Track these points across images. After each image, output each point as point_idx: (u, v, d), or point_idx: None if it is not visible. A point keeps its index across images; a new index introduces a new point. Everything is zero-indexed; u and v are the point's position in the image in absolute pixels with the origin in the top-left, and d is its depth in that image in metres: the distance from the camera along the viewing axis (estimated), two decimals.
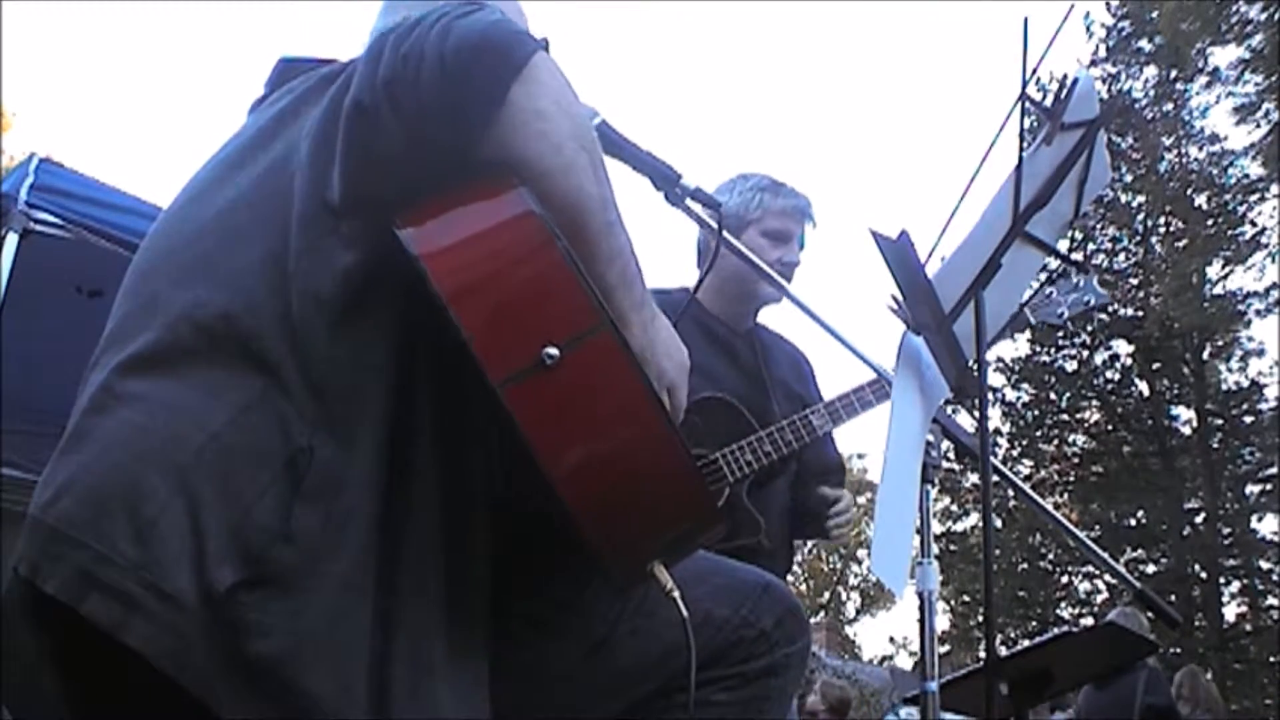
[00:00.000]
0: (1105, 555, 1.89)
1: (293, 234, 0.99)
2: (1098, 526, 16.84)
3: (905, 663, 23.81)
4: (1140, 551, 17.26)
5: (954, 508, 18.39)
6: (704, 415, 2.21)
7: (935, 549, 2.15)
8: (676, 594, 1.00)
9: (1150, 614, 2.78)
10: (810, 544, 28.90)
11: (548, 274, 0.94)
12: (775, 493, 2.30)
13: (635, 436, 0.94)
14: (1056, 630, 3.35)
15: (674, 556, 1.03)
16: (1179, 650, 15.05)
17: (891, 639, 27.58)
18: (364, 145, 0.98)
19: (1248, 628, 16.36)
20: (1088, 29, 17.23)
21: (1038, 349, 17.80)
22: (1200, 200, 16.57)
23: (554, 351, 0.90)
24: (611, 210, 1.04)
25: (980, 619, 16.32)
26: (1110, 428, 17.92)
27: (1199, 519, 16.62)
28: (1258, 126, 15.65)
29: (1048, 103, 1.44)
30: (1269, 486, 15.88)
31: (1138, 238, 17.31)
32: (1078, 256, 16.20)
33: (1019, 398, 18.00)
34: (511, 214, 0.96)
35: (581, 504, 0.92)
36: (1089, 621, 16.18)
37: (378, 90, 0.97)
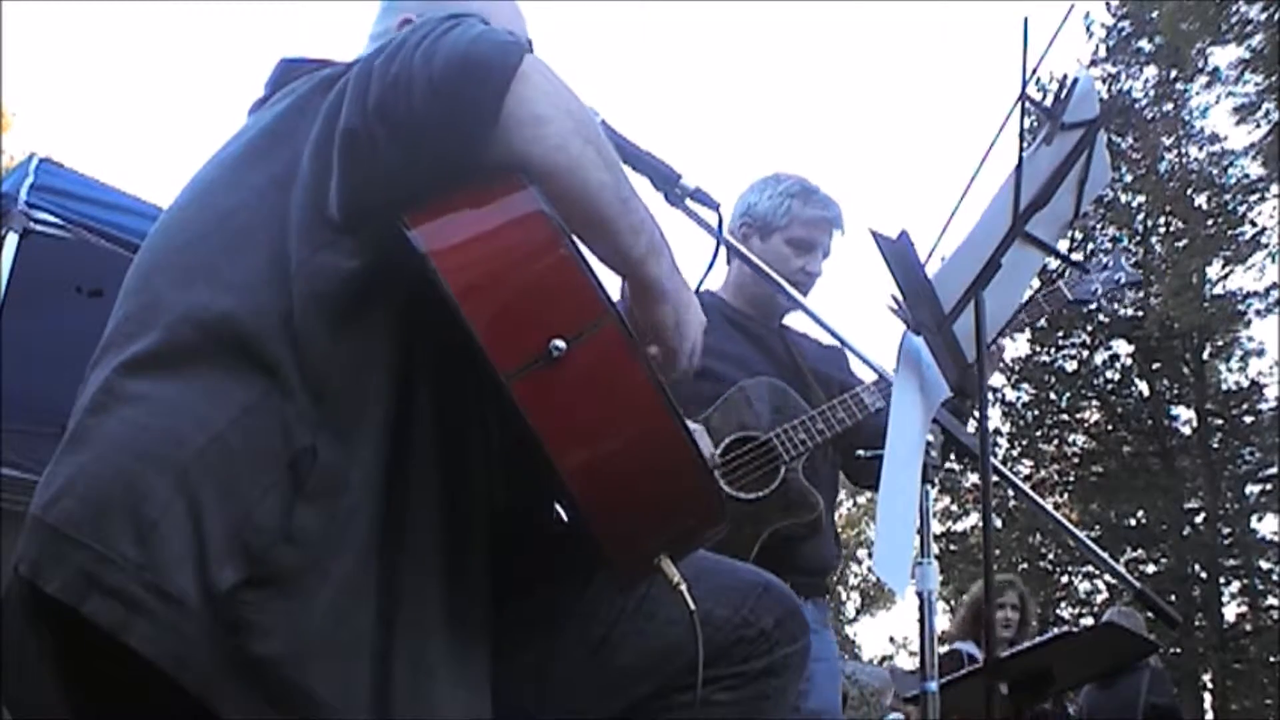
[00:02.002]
0: (1105, 555, 1.89)
1: (294, 242, 1.00)
2: (1098, 526, 16.83)
3: (905, 663, 23.79)
4: (1140, 551, 17.26)
5: (954, 508, 18.38)
6: (752, 397, 2.23)
7: (935, 549, 2.15)
8: (684, 587, 1.00)
9: (1150, 614, 2.78)
10: None
11: (554, 270, 0.95)
12: (824, 472, 2.30)
13: (642, 429, 0.95)
14: (1056, 630, 3.36)
15: (678, 552, 1.03)
16: (1179, 650, 15.06)
17: (891, 639, 27.57)
18: (361, 170, 0.99)
19: (1248, 628, 16.36)
20: (1088, 29, 17.23)
21: (1038, 349, 17.79)
22: (1200, 200, 16.56)
23: (561, 344, 0.90)
24: (625, 187, 1.05)
25: None
26: (1110, 428, 17.91)
27: (1199, 519, 16.61)
28: (1258, 126, 15.65)
29: (1048, 103, 1.44)
30: (1269, 486, 15.87)
31: (1138, 238, 17.29)
32: (1078, 256, 16.20)
33: (1019, 398, 17.99)
34: (519, 213, 0.97)
35: (588, 496, 0.92)
36: (1089, 621, 16.18)
37: (370, 116, 0.97)
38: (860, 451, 2.23)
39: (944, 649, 4.18)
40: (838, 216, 2.39)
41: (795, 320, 2.50)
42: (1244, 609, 16.79)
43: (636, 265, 1.06)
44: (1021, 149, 1.41)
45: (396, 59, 0.97)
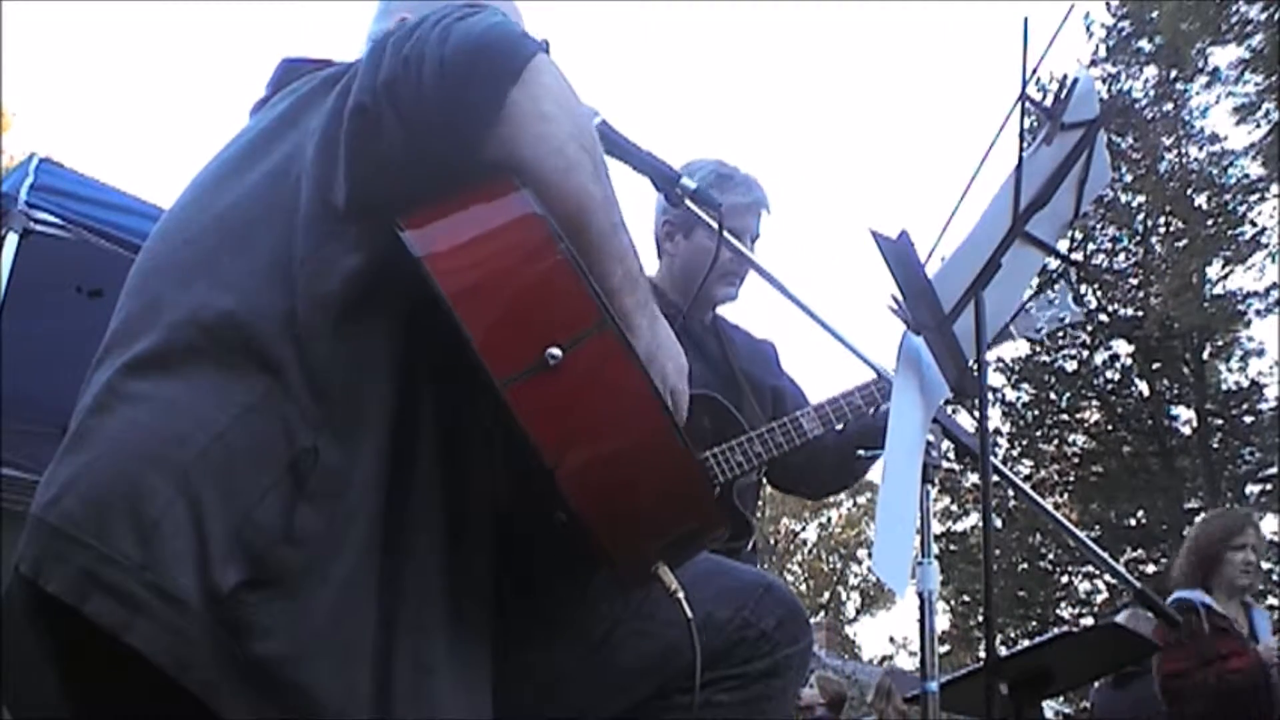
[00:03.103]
0: (1105, 555, 1.89)
1: (298, 237, 1.00)
2: (1098, 526, 16.83)
3: (905, 663, 23.80)
4: (1140, 551, 17.25)
5: (954, 508, 18.39)
6: (698, 410, 2.19)
7: (935, 549, 2.15)
8: (681, 595, 1.00)
9: (1150, 614, 2.78)
10: (810, 544, 28.95)
11: (550, 275, 0.94)
12: (749, 494, 2.27)
13: (638, 436, 0.94)
14: (1056, 630, 3.35)
15: (678, 557, 1.03)
16: None
17: (891, 639, 27.59)
18: (367, 148, 0.99)
19: None
20: (1088, 29, 17.22)
21: (1038, 349, 17.78)
22: (1200, 200, 16.55)
23: (556, 351, 0.90)
24: (615, 211, 1.04)
25: (980, 619, 16.31)
26: (1110, 428, 17.91)
27: (1199, 519, 16.60)
28: (1258, 126, 15.64)
29: (1048, 103, 1.44)
30: (1269, 486, 15.86)
31: (1138, 238, 17.30)
32: (1078, 256, 16.21)
33: (1019, 398, 18.00)
34: (514, 216, 0.97)
35: (585, 503, 0.92)
36: (1089, 621, 16.19)
37: (379, 93, 0.97)
38: (860, 451, 2.22)
39: (1173, 596, 3.75)
40: (762, 197, 2.29)
41: (750, 308, 2.46)
42: None
43: (610, 295, 1.02)
44: (1021, 149, 1.41)
45: (412, 37, 0.97)
